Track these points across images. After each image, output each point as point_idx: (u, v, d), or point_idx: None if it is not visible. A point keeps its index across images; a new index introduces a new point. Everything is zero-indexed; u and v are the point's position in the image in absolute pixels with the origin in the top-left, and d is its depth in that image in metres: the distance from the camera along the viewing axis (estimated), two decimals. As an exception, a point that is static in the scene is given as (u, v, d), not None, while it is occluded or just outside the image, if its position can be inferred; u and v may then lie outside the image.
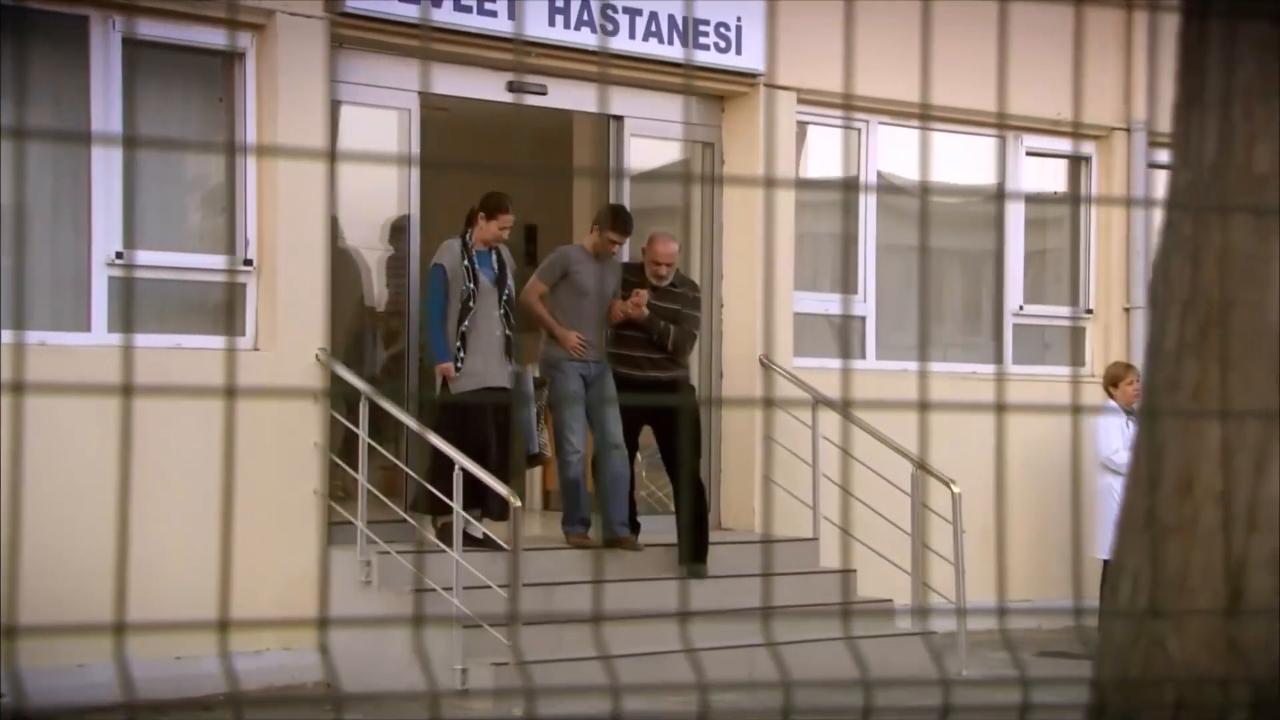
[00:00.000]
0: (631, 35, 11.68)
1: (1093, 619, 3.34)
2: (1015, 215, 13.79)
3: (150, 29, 10.16)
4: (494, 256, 10.59)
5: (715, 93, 12.42)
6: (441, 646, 9.49)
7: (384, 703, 9.44)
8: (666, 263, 11.12)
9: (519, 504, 9.50)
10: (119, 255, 10.03)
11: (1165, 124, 3.26)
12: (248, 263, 10.41)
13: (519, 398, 10.60)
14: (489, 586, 9.53)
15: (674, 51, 11.81)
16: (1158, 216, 3.24)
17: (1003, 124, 13.04)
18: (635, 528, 11.03)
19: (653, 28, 11.75)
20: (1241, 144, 3.05)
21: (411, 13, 10.75)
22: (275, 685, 9.88)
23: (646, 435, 11.38)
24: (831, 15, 11.71)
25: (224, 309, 10.44)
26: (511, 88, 11.61)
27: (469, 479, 9.58)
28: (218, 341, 10.10)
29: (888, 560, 11.10)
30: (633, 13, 11.68)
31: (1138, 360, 12.37)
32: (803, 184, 13.08)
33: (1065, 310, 14.05)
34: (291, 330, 10.32)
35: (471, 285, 10.41)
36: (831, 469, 11.42)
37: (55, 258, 9.98)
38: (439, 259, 10.51)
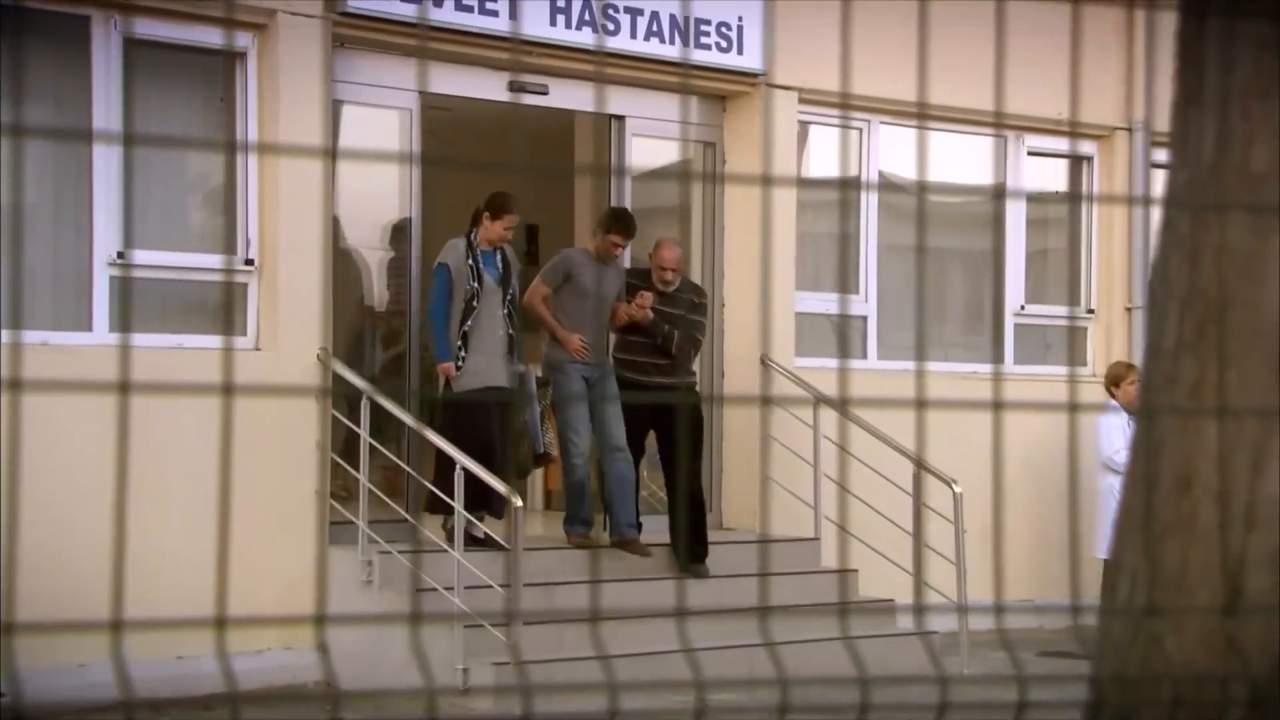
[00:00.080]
0: (633, 35, 11.68)
1: (1091, 618, 3.33)
2: (1017, 215, 13.79)
3: (152, 29, 10.16)
4: (498, 256, 10.58)
5: (717, 92, 12.42)
6: (443, 646, 9.49)
7: (385, 702, 9.45)
8: (672, 268, 11.12)
9: (519, 504, 9.50)
10: (120, 255, 10.04)
11: (1164, 123, 3.26)
12: (249, 262, 10.42)
13: (522, 397, 10.60)
14: (490, 586, 9.54)
15: (675, 51, 11.81)
16: (1158, 215, 3.24)
17: (1001, 123, 13.04)
18: (638, 528, 11.03)
19: (654, 27, 11.75)
20: (1239, 142, 3.06)
21: (412, 12, 10.75)
22: (276, 685, 9.88)
23: (650, 438, 11.38)
24: (833, 15, 11.72)
25: (224, 309, 10.45)
26: (512, 88, 11.62)
27: (475, 479, 9.59)
28: (220, 341, 10.11)
29: (889, 560, 11.11)
30: (634, 12, 11.68)
31: (1140, 360, 12.37)
32: (800, 183, 13.08)
33: (1067, 310, 14.05)
34: (292, 330, 10.33)
35: (476, 285, 10.41)
36: (833, 469, 11.42)
37: (57, 257, 9.99)
38: (443, 258, 10.51)
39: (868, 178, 13.09)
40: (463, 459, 9.58)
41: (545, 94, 11.68)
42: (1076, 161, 14.16)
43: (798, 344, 12.39)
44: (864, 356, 13.00)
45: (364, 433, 10.00)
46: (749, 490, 12.16)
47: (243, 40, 10.40)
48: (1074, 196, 14.23)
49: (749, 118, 12.38)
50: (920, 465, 10.73)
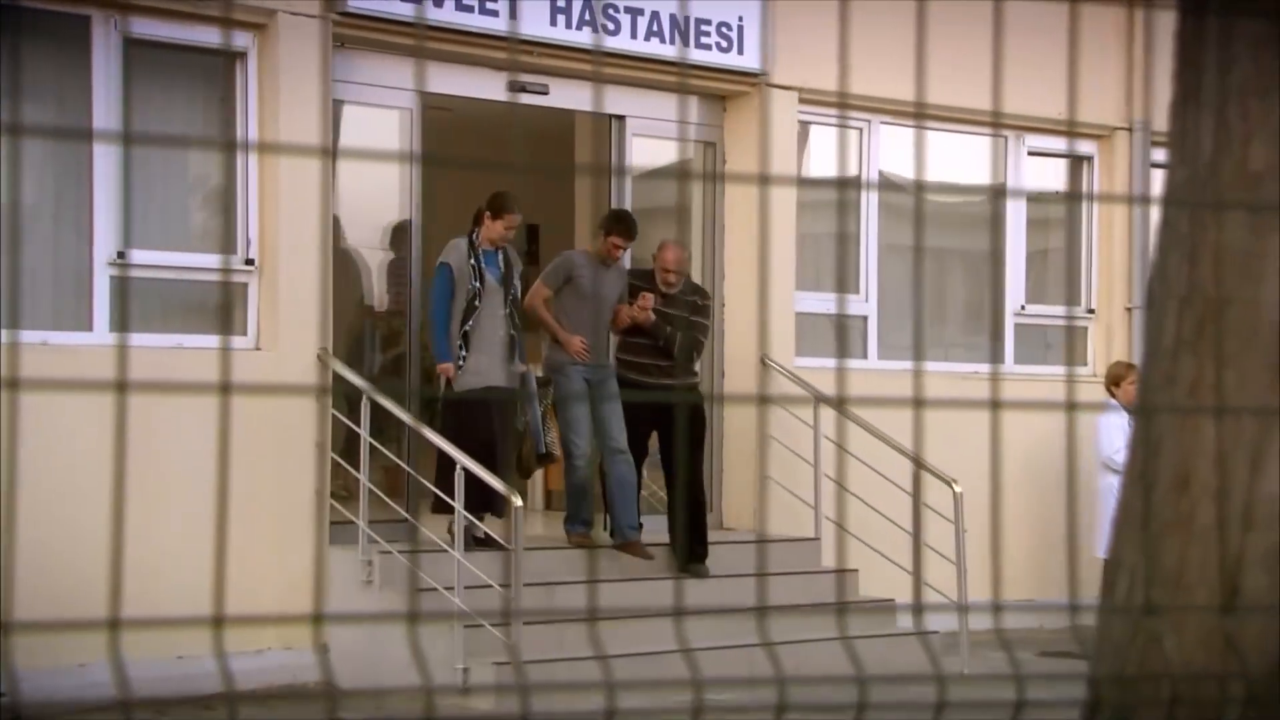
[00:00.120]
0: (633, 35, 11.68)
1: (1090, 617, 3.33)
2: (1017, 215, 13.79)
3: (152, 29, 10.16)
4: (500, 256, 10.58)
5: (717, 92, 12.42)
6: (443, 646, 9.49)
7: (385, 702, 9.44)
8: (676, 270, 11.12)
9: (519, 503, 9.50)
10: (121, 255, 10.04)
11: (1164, 122, 3.26)
12: (249, 262, 10.42)
13: (524, 397, 10.60)
14: (490, 585, 9.54)
15: (675, 51, 11.81)
16: (1157, 215, 3.24)
17: (999, 122, 13.04)
18: (638, 529, 11.03)
19: (654, 27, 11.75)
20: (1238, 141, 3.06)
21: (412, 12, 10.75)
22: (276, 685, 9.88)
23: (653, 438, 11.38)
24: (833, 15, 11.71)
25: (224, 308, 10.44)
26: (511, 87, 11.61)
27: (478, 479, 9.59)
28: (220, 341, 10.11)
29: (890, 560, 11.10)
30: (634, 12, 11.68)
31: (1140, 360, 12.36)
32: (798, 182, 13.07)
33: (1070, 310, 14.06)
34: (293, 330, 10.33)
35: (478, 284, 10.41)
36: (834, 469, 11.41)
37: (57, 257, 9.99)
38: (445, 257, 10.50)
39: (868, 177, 13.08)
40: (463, 459, 9.58)
41: (545, 94, 11.67)
42: (1077, 161, 14.15)
43: (798, 344, 12.39)
44: (864, 356, 13.00)
45: (364, 432, 10.00)
46: (749, 490, 12.15)
47: (243, 40, 10.40)
48: (1072, 195, 14.23)
49: (749, 118, 12.38)
50: (919, 464, 10.73)
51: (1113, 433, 11.96)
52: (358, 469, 10.02)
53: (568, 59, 11.48)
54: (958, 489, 11.02)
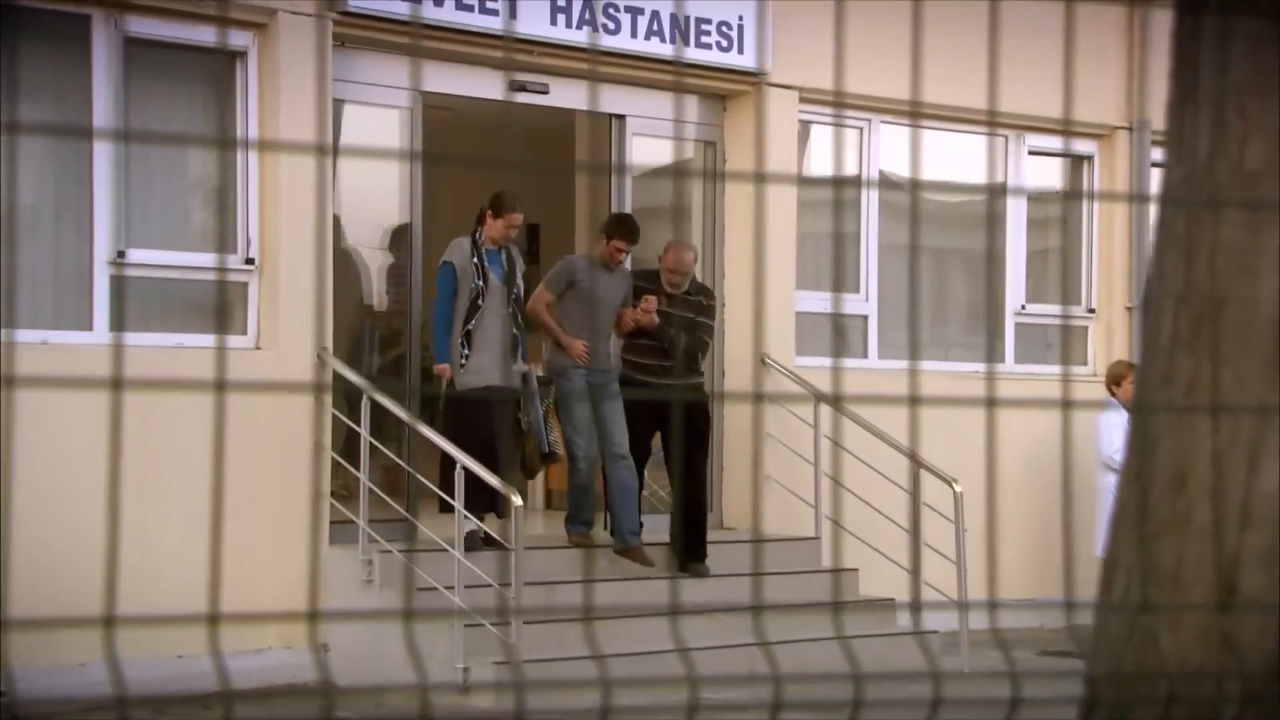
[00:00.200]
0: (633, 34, 11.67)
1: (1087, 616, 3.33)
2: (1017, 214, 13.79)
3: (152, 28, 10.16)
4: (503, 255, 10.58)
5: (717, 92, 12.42)
6: (443, 645, 9.50)
7: (385, 700, 9.45)
8: (682, 270, 11.11)
9: (520, 503, 9.50)
10: (121, 254, 10.04)
11: (1160, 121, 3.26)
12: (249, 262, 10.42)
13: (526, 396, 10.60)
14: (490, 585, 9.54)
15: (675, 50, 11.81)
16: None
17: (999, 122, 13.04)
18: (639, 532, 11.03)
19: (654, 26, 11.75)
20: (1235, 140, 3.06)
21: (411, 12, 10.75)
22: (276, 684, 9.88)
23: (657, 439, 11.37)
24: (833, 15, 11.70)
25: (224, 308, 10.44)
26: (510, 87, 11.61)
27: (480, 480, 9.58)
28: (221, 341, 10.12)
29: (890, 559, 11.10)
30: (634, 11, 11.68)
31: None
32: (798, 181, 13.07)
33: (1070, 309, 14.06)
34: (293, 329, 10.33)
35: (480, 283, 10.41)
36: (834, 469, 11.42)
37: (58, 257, 9.99)
38: (448, 256, 10.50)
39: (868, 177, 13.08)
40: (464, 459, 9.58)
41: (545, 93, 11.67)
42: (1077, 161, 14.16)
43: (798, 343, 12.39)
44: (864, 356, 13.00)
45: (364, 431, 10.00)
46: (750, 489, 12.15)
47: (243, 40, 10.40)
48: (1071, 194, 14.24)
49: (749, 117, 12.37)
50: (917, 462, 10.71)
51: (1113, 432, 11.96)
52: (358, 468, 10.02)
53: (567, 58, 11.47)
54: (958, 488, 11.02)
